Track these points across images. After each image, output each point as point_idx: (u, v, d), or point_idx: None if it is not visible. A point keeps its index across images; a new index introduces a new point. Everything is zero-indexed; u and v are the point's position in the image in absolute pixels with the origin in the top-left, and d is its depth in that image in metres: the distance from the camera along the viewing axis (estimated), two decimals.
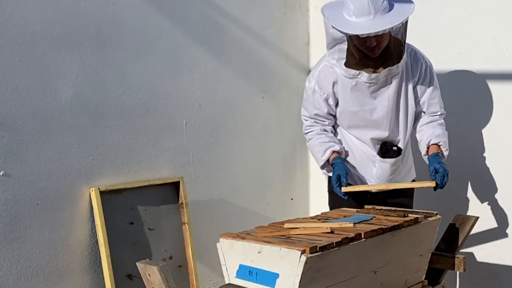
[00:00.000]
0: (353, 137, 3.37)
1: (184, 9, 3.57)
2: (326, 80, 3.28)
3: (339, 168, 3.20)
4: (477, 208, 3.77)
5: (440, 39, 3.81)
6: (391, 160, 3.29)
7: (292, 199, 4.37)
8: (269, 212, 4.10)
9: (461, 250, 3.25)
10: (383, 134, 3.31)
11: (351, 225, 2.70)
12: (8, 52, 2.82)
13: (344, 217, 2.94)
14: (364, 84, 3.20)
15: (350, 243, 2.52)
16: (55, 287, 3.03)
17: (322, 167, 3.36)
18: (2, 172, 2.82)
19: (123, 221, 3.23)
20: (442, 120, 3.35)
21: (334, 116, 3.39)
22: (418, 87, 3.30)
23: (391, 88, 3.24)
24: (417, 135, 3.37)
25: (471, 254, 3.81)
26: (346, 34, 3.05)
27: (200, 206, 3.67)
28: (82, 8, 3.09)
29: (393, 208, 3.12)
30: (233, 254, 2.53)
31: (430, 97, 3.31)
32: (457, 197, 3.80)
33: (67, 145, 3.05)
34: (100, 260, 3.13)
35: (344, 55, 3.15)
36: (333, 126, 3.42)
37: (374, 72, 3.15)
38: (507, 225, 3.73)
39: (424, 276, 3.03)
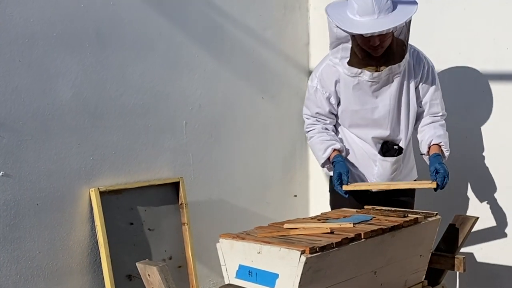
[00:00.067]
0: (354, 136, 3.38)
1: (184, 10, 3.57)
2: (328, 79, 3.31)
3: (340, 166, 3.22)
4: (477, 208, 3.77)
5: (440, 39, 3.81)
6: (392, 159, 3.31)
7: (295, 195, 4.37)
8: (269, 212, 4.10)
9: (461, 251, 3.25)
10: (384, 133, 3.33)
11: (351, 225, 2.71)
12: (8, 52, 2.82)
13: (344, 217, 2.94)
14: (366, 83, 3.22)
15: (350, 244, 2.52)
16: None
17: (323, 165, 3.38)
18: (2, 172, 2.82)
19: (123, 222, 3.23)
20: (443, 121, 3.37)
21: (336, 115, 3.41)
22: (420, 88, 3.32)
23: (393, 87, 3.26)
24: (418, 136, 3.39)
25: (471, 254, 3.81)
26: (350, 33, 3.08)
27: (200, 207, 3.66)
28: (82, 9, 3.09)
29: (393, 209, 3.12)
30: (232, 254, 2.53)
31: (432, 98, 3.33)
32: (457, 197, 3.80)
33: (67, 146, 3.05)
34: (100, 261, 3.13)
35: (348, 53, 3.18)
36: (334, 125, 3.43)
37: (376, 70, 3.17)
38: (507, 225, 3.73)
39: (424, 277, 3.03)
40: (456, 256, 3.15)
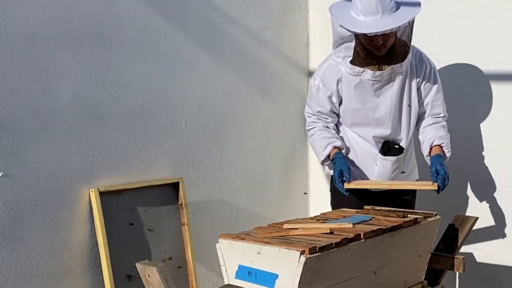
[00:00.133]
0: (355, 135, 3.40)
1: (184, 10, 3.57)
2: (330, 78, 3.33)
3: (340, 163, 3.24)
4: (476, 208, 3.77)
5: (440, 40, 3.81)
6: (393, 158, 3.32)
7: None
8: (268, 212, 4.10)
9: (460, 251, 3.25)
10: (385, 132, 3.34)
11: (351, 225, 2.71)
12: (8, 53, 2.82)
13: (344, 217, 2.94)
14: (368, 82, 3.24)
15: (350, 244, 2.52)
16: None
17: (323, 163, 3.40)
18: (1, 173, 2.82)
19: (123, 222, 3.23)
20: (445, 122, 3.39)
21: (337, 115, 3.43)
22: (422, 88, 3.34)
23: (395, 87, 3.28)
24: (420, 136, 3.41)
25: (471, 254, 3.81)
26: (354, 32, 3.10)
27: (199, 207, 3.67)
28: (81, 9, 3.09)
29: (393, 209, 3.13)
30: (232, 254, 2.53)
31: (434, 99, 3.36)
32: (456, 197, 3.80)
33: (66, 146, 3.05)
34: (100, 261, 3.13)
35: (351, 53, 3.21)
36: (335, 124, 3.44)
37: (378, 69, 3.20)
38: (506, 225, 3.73)
39: (423, 277, 3.04)
40: (455, 256, 3.15)
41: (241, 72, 3.93)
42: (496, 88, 3.72)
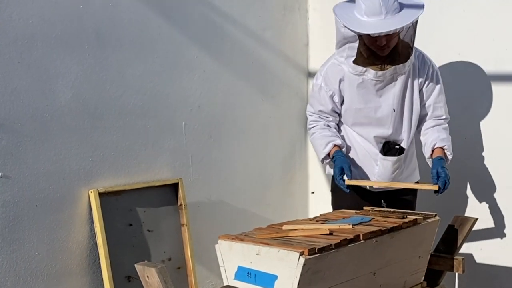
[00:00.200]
0: (356, 135, 3.41)
1: (183, 11, 3.56)
2: (333, 78, 3.35)
3: (341, 161, 3.26)
4: (476, 209, 3.77)
5: (440, 40, 3.81)
6: (393, 159, 3.33)
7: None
8: (268, 213, 4.10)
9: (460, 252, 3.25)
10: (386, 132, 3.36)
11: (350, 226, 2.71)
12: (7, 53, 2.82)
13: (343, 218, 2.94)
14: (370, 82, 3.26)
15: (349, 245, 2.52)
16: None
17: (323, 161, 3.42)
18: (1, 173, 2.82)
19: (122, 223, 3.23)
20: (447, 125, 3.41)
21: (339, 114, 3.45)
22: (424, 90, 3.36)
23: (397, 87, 3.30)
24: (422, 138, 3.42)
25: (470, 255, 3.81)
26: (357, 33, 3.12)
27: (199, 208, 3.66)
28: (81, 10, 3.08)
29: (392, 210, 3.13)
30: (231, 255, 2.53)
31: (436, 101, 3.37)
32: (456, 198, 3.80)
33: (66, 147, 3.05)
34: (99, 262, 3.12)
35: (354, 52, 3.23)
36: (337, 124, 3.46)
37: (381, 69, 3.22)
38: (506, 226, 3.73)
39: (423, 278, 3.04)
40: (455, 257, 3.15)
41: (241, 72, 3.93)
42: (496, 88, 3.72)
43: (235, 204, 3.91)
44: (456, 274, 3.80)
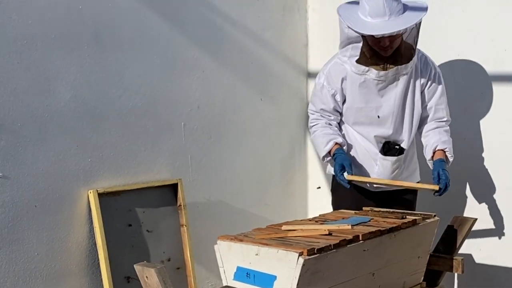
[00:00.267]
0: (357, 134, 3.43)
1: (183, 11, 3.56)
2: (335, 77, 3.37)
3: (341, 158, 3.28)
4: (475, 209, 3.77)
5: (439, 41, 3.81)
6: (393, 158, 3.35)
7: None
8: (267, 213, 4.10)
9: (459, 252, 3.25)
10: (386, 132, 3.37)
11: (349, 227, 2.71)
12: (7, 54, 2.82)
13: (342, 219, 2.94)
14: (373, 81, 3.28)
15: (348, 245, 2.52)
16: None
17: (323, 158, 3.43)
18: (0, 174, 2.82)
19: (121, 223, 3.23)
20: (448, 127, 3.43)
21: (340, 114, 3.46)
22: (426, 92, 3.38)
23: (399, 88, 3.31)
24: (423, 140, 3.43)
25: (470, 255, 3.80)
26: (361, 34, 3.15)
27: (198, 208, 3.66)
28: (80, 10, 3.08)
29: (391, 210, 3.13)
30: (230, 256, 2.53)
31: (437, 103, 3.39)
32: (455, 198, 3.80)
33: (65, 147, 3.05)
34: (98, 262, 3.12)
35: (357, 52, 3.25)
36: (338, 123, 3.47)
37: (383, 69, 3.23)
38: (505, 226, 3.73)
39: (422, 278, 3.03)
40: (454, 257, 3.15)
41: (241, 73, 3.93)
42: (495, 89, 3.72)
43: (235, 204, 3.91)
44: (456, 274, 3.80)
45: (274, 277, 2.38)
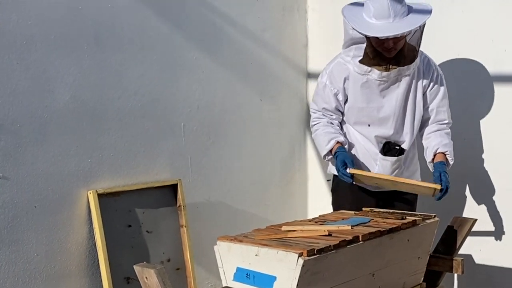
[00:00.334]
0: (357, 134, 3.44)
1: (182, 12, 3.56)
2: (338, 76, 3.38)
3: (343, 156, 3.29)
4: (475, 210, 3.76)
5: (439, 41, 3.80)
6: (392, 159, 3.36)
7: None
8: (267, 214, 4.10)
9: (459, 252, 3.25)
10: (387, 132, 3.38)
11: (349, 227, 2.70)
12: (6, 54, 2.81)
13: (342, 219, 2.94)
14: (375, 82, 3.29)
15: (348, 246, 2.51)
16: None
17: (325, 157, 3.43)
18: (0, 174, 2.82)
19: (121, 224, 3.23)
20: (449, 130, 3.43)
21: (342, 113, 3.47)
22: (428, 93, 3.39)
23: (401, 89, 3.33)
24: (424, 142, 3.44)
25: (470, 256, 3.80)
26: (366, 35, 3.16)
27: (198, 209, 3.66)
28: (80, 11, 3.08)
29: (391, 211, 3.13)
30: (230, 257, 2.53)
31: (439, 105, 3.40)
32: (455, 199, 3.80)
33: (65, 148, 3.04)
34: (98, 263, 3.12)
35: (361, 53, 3.26)
36: (340, 123, 3.48)
37: (385, 70, 3.25)
38: (505, 227, 3.72)
39: (422, 279, 3.03)
40: (454, 258, 3.15)
41: (240, 73, 3.93)
42: (495, 89, 3.72)
43: (234, 205, 3.91)
44: (455, 275, 3.79)
45: (274, 278, 2.38)
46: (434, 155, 3.34)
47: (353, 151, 3.45)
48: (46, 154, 2.97)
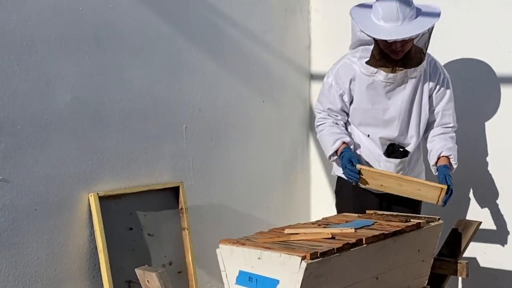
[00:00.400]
0: (362, 135, 3.45)
1: (184, 13, 3.55)
2: (344, 77, 3.38)
3: (349, 155, 3.29)
4: (480, 213, 3.75)
5: (443, 42, 3.79)
6: (396, 161, 3.36)
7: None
8: (270, 217, 4.08)
9: (463, 256, 3.24)
10: (392, 134, 3.38)
11: (352, 230, 2.69)
12: (6, 56, 2.80)
13: (346, 222, 2.93)
14: (381, 83, 3.29)
15: (352, 249, 2.51)
16: None
17: (330, 158, 3.43)
18: (0, 177, 2.80)
19: (122, 227, 3.21)
20: (454, 134, 3.44)
21: (347, 114, 3.47)
22: (434, 96, 3.39)
23: (407, 91, 3.33)
24: (428, 145, 3.45)
25: (474, 259, 3.78)
26: (374, 38, 3.16)
27: (200, 211, 3.64)
28: (80, 12, 3.07)
29: (395, 213, 3.13)
30: (233, 260, 2.51)
31: (445, 108, 3.40)
32: (459, 201, 3.78)
33: (65, 150, 3.03)
34: (99, 266, 3.11)
35: (368, 54, 3.25)
36: (345, 123, 3.48)
37: (391, 72, 3.24)
38: (510, 230, 3.70)
39: (426, 282, 3.02)
40: (459, 261, 3.14)
41: (242, 75, 3.92)
42: (500, 90, 3.71)
43: (237, 207, 3.89)
44: (460, 278, 3.78)
45: (277, 281, 2.37)
46: (438, 159, 3.34)
47: (357, 152, 3.44)
48: (46, 156, 2.96)
